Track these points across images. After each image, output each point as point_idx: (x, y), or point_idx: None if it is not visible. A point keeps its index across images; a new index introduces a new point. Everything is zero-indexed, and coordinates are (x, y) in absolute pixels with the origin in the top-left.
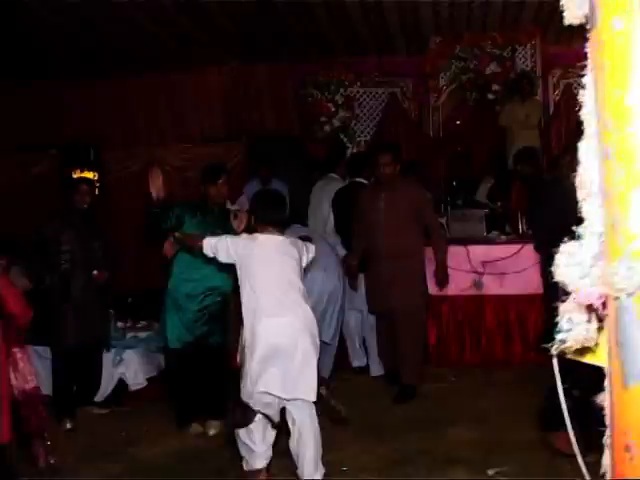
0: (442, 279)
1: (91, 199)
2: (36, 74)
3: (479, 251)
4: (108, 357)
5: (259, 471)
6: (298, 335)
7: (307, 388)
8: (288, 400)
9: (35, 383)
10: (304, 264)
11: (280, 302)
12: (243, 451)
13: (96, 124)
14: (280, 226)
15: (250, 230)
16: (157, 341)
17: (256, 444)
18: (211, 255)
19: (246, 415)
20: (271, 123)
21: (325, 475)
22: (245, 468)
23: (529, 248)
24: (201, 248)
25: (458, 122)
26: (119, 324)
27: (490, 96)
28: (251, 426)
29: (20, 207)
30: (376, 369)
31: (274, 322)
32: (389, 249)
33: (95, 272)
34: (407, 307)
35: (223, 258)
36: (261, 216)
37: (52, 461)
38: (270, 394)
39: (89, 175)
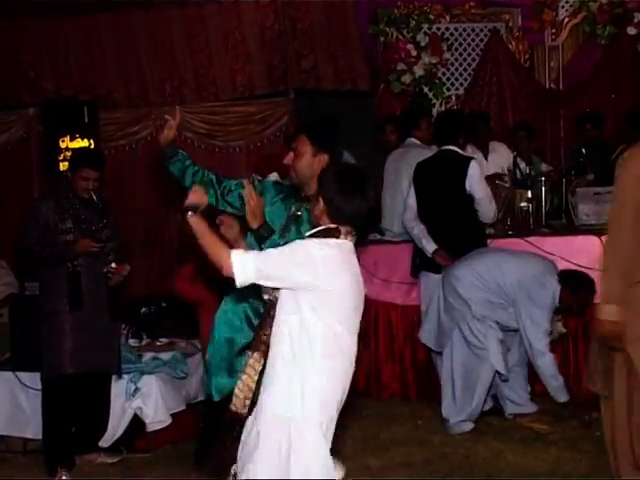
0: None
1: (98, 186)
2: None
3: None
4: (119, 387)
5: None
6: None
7: None
8: None
9: None
10: None
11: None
12: None
13: (91, 75)
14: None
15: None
16: (183, 364)
17: None
18: (252, 281)
19: None
20: (328, 73)
21: None
22: None
23: None
24: (227, 269)
25: (585, 61)
26: (131, 342)
27: (631, 31)
28: None
29: None
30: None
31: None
32: None
33: (113, 265)
34: None
35: (279, 283)
36: (341, 210)
37: None
38: None
39: (83, 143)
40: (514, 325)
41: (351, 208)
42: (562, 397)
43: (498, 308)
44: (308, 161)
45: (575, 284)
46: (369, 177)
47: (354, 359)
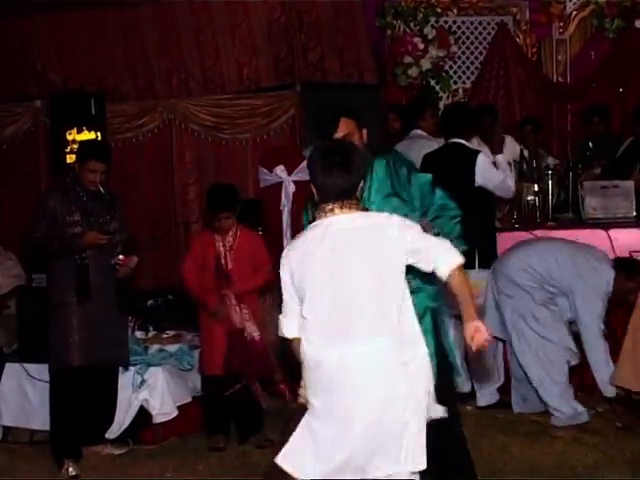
0: None
1: (105, 179)
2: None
3: (627, 237)
4: (125, 378)
5: None
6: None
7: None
8: None
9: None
10: (411, 249)
11: (349, 321)
12: None
13: (98, 67)
14: (354, 196)
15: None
16: (190, 356)
17: None
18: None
19: None
20: (335, 66)
21: None
22: None
23: None
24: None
25: (593, 55)
26: (138, 334)
27: (639, 24)
28: None
29: None
30: (486, 396)
31: (337, 352)
32: None
33: (121, 257)
34: None
35: (295, 308)
36: (323, 187)
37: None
38: None
39: (90, 136)
40: (567, 315)
41: (332, 183)
42: (608, 391)
43: (551, 296)
44: (359, 139)
45: (629, 271)
46: (352, 149)
47: (342, 377)
